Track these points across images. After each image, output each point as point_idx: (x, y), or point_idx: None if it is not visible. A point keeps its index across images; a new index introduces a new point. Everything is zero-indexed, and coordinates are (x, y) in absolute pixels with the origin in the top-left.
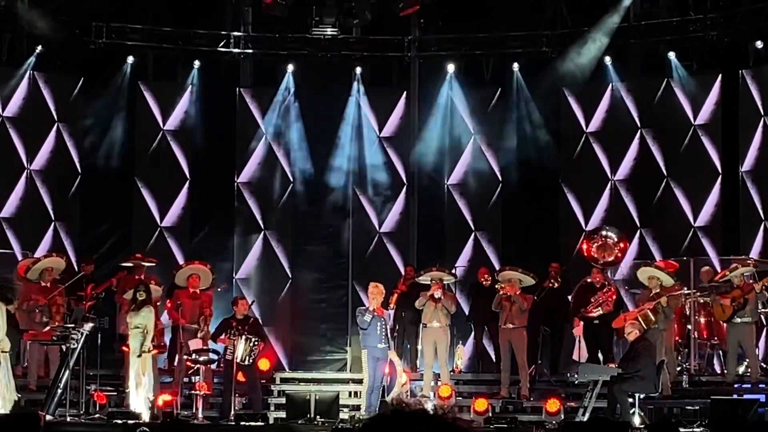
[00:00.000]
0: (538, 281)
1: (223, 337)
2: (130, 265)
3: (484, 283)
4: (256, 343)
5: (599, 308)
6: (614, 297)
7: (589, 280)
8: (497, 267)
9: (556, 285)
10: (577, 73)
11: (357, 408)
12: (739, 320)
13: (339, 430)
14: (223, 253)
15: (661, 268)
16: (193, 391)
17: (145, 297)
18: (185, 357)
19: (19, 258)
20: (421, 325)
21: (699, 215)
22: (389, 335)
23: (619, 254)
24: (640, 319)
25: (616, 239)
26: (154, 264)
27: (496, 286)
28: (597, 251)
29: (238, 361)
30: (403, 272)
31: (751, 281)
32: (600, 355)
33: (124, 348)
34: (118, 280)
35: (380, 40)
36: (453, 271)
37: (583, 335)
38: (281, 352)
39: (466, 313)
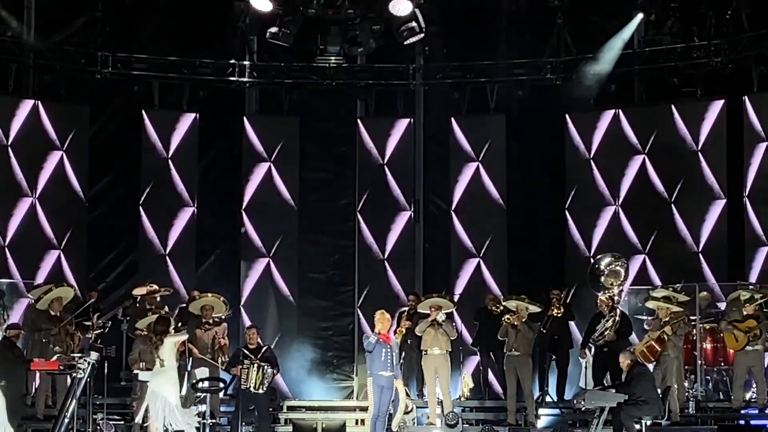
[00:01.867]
0: (543, 310)
1: (236, 367)
2: (143, 292)
3: (493, 310)
4: (267, 370)
5: (601, 337)
6: (617, 323)
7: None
8: (501, 293)
9: (560, 312)
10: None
11: None
12: (750, 348)
13: None
14: (229, 280)
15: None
16: (202, 420)
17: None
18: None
19: (22, 287)
20: (422, 351)
21: (702, 240)
22: (395, 362)
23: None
24: (646, 352)
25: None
26: (169, 293)
27: (504, 319)
28: (606, 280)
29: (252, 389)
30: (407, 301)
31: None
32: (608, 382)
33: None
34: (123, 309)
35: (385, 69)
36: (456, 298)
37: (592, 362)
38: (288, 380)
39: (470, 339)
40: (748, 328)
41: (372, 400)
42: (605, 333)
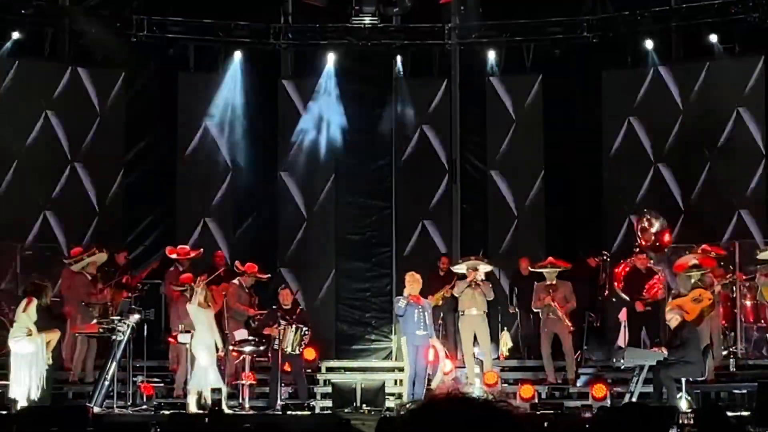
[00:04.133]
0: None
1: (271, 326)
2: (174, 255)
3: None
4: (306, 332)
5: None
6: (662, 283)
7: (638, 265)
8: (539, 254)
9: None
10: None
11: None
12: None
13: (386, 419)
14: (267, 243)
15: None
16: (239, 381)
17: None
18: (231, 347)
19: (65, 251)
20: (459, 312)
21: (743, 197)
22: (429, 322)
23: (659, 243)
24: (690, 312)
25: (657, 226)
26: (199, 256)
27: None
28: (640, 234)
29: (288, 350)
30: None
31: None
32: (646, 339)
33: (171, 339)
34: (152, 270)
35: (420, 29)
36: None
37: (627, 320)
38: (327, 342)
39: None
40: None
41: (408, 360)
42: (652, 296)
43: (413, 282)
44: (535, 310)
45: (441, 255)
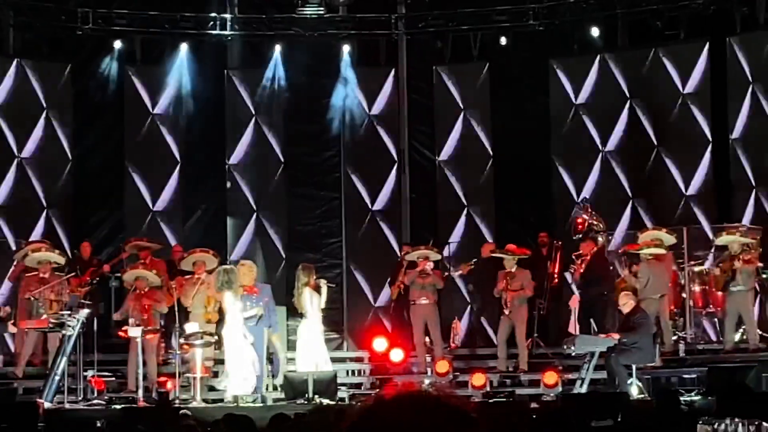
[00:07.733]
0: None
1: None
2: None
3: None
4: None
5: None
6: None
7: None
8: (491, 242)
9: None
10: None
11: (356, 386)
12: (735, 289)
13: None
14: (217, 235)
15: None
16: (190, 374)
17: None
18: (182, 341)
19: (13, 247)
20: (410, 302)
21: (690, 184)
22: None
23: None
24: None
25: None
26: (159, 247)
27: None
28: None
29: None
30: (399, 253)
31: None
32: (594, 327)
33: (121, 333)
34: (120, 261)
35: (367, 18)
36: (445, 248)
37: (578, 308)
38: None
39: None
40: (722, 269)
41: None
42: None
43: (246, 272)
44: (496, 296)
45: (403, 244)
